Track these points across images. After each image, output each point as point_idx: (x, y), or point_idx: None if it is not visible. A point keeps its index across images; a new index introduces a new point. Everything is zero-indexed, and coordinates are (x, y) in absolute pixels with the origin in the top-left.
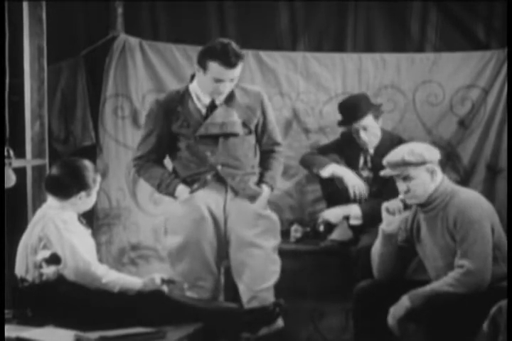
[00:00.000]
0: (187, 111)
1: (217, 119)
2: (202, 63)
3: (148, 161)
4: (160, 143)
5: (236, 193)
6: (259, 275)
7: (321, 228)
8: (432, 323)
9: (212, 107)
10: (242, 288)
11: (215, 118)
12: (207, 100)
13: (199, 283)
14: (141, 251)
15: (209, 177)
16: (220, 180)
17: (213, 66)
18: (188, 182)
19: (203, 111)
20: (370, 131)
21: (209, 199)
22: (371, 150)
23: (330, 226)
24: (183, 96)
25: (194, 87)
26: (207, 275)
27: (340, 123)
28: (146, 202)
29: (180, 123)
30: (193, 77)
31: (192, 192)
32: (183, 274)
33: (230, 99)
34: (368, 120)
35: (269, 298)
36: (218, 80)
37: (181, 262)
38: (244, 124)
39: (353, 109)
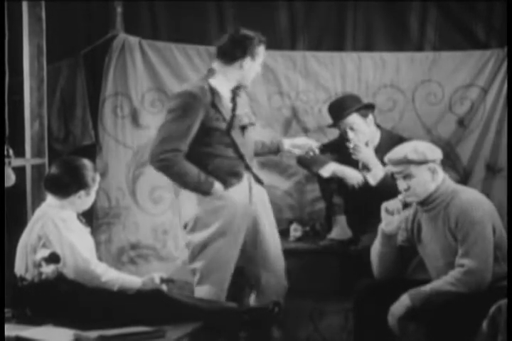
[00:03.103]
0: (221, 104)
1: (243, 110)
2: (253, 53)
3: (178, 156)
4: (193, 137)
5: (260, 182)
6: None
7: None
8: (431, 322)
9: (233, 99)
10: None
11: (242, 109)
12: (228, 93)
13: (214, 278)
14: (141, 250)
15: (242, 170)
16: (246, 171)
17: (261, 49)
18: (221, 177)
19: (230, 104)
20: (358, 129)
21: (239, 191)
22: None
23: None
24: (211, 89)
25: (218, 81)
26: (225, 272)
27: (329, 125)
28: (146, 201)
29: (216, 117)
30: (211, 72)
31: (227, 188)
32: (203, 268)
33: (238, 91)
34: (355, 119)
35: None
36: (261, 62)
37: (206, 256)
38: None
39: (336, 108)
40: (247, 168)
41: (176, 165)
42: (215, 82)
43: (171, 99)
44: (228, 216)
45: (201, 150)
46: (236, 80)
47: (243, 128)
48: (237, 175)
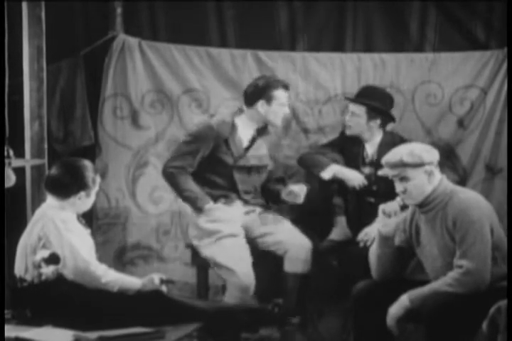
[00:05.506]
0: (233, 141)
1: (259, 151)
2: (268, 96)
3: (183, 173)
4: (198, 161)
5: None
6: None
7: None
8: (430, 323)
9: (252, 139)
10: None
11: (256, 151)
12: (250, 133)
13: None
14: (141, 251)
15: (235, 197)
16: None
17: (279, 94)
18: (213, 197)
19: (246, 142)
20: (354, 118)
21: (234, 207)
22: (370, 149)
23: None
24: (233, 126)
25: (242, 120)
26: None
27: (346, 97)
28: (146, 202)
29: (226, 151)
30: (239, 110)
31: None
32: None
33: (264, 131)
34: (360, 111)
35: None
36: (284, 104)
37: (225, 248)
38: (270, 157)
39: (367, 90)
40: (240, 198)
41: (179, 180)
42: (239, 120)
43: (194, 125)
44: (229, 223)
45: (206, 173)
46: (260, 121)
47: (249, 168)
48: (228, 198)
